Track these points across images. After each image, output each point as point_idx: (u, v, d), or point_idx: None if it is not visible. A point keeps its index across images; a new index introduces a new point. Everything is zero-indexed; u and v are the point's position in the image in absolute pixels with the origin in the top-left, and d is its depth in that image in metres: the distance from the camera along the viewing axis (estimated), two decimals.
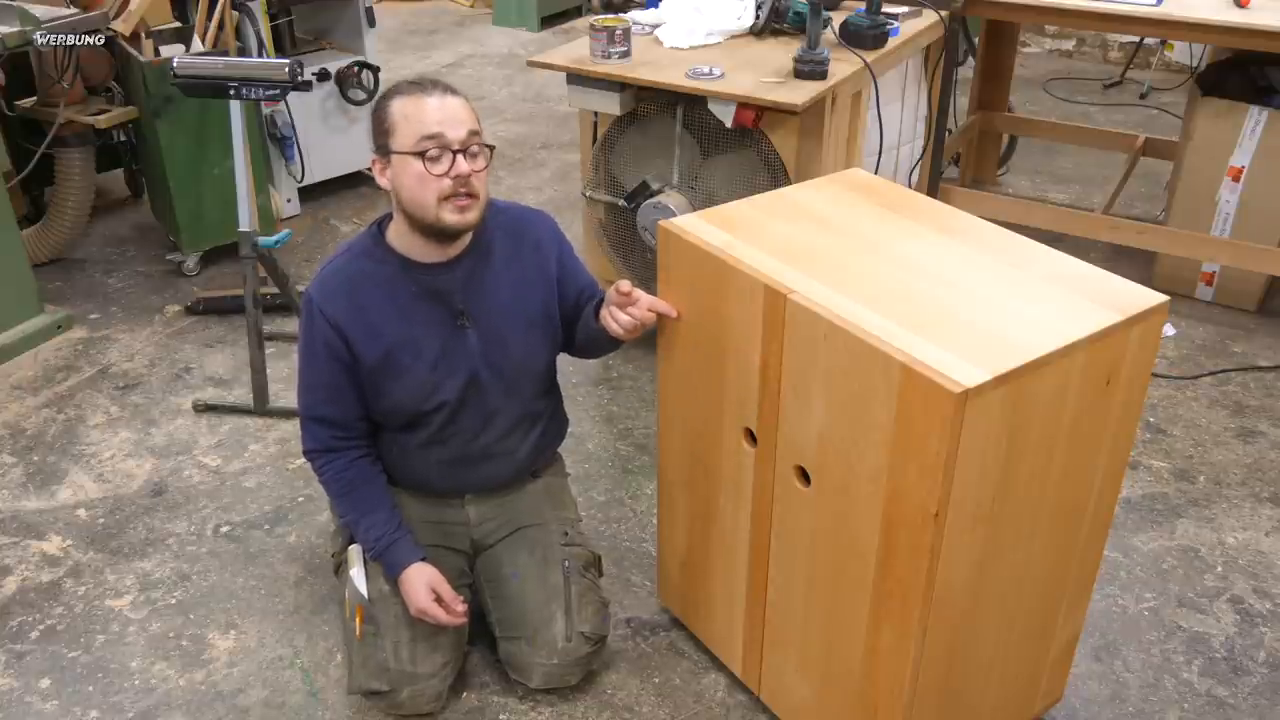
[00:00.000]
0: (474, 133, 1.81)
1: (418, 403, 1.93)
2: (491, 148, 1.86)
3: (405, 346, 1.89)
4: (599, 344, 2.04)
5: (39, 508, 2.59)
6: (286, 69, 2.67)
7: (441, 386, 1.92)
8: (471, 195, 1.82)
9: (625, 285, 1.83)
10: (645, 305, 1.86)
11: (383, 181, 1.85)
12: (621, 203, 2.88)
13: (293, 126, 3.92)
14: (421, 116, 1.77)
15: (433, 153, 1.77)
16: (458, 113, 1.80)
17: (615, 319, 1.86)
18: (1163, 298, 1.59)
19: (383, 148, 1.81)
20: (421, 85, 1.81)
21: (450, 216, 1.81)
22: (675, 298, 1.85)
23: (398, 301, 1.89)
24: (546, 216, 2.06)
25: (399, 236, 1.90)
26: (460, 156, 1.79)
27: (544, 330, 2.00)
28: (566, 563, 2.02)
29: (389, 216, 1.92)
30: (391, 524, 1.95)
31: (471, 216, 1.84)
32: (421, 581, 1.90)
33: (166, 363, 3.18)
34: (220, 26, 3.56)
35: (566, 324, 2.05)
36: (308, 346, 1.93)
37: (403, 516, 1.98)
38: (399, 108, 1.79)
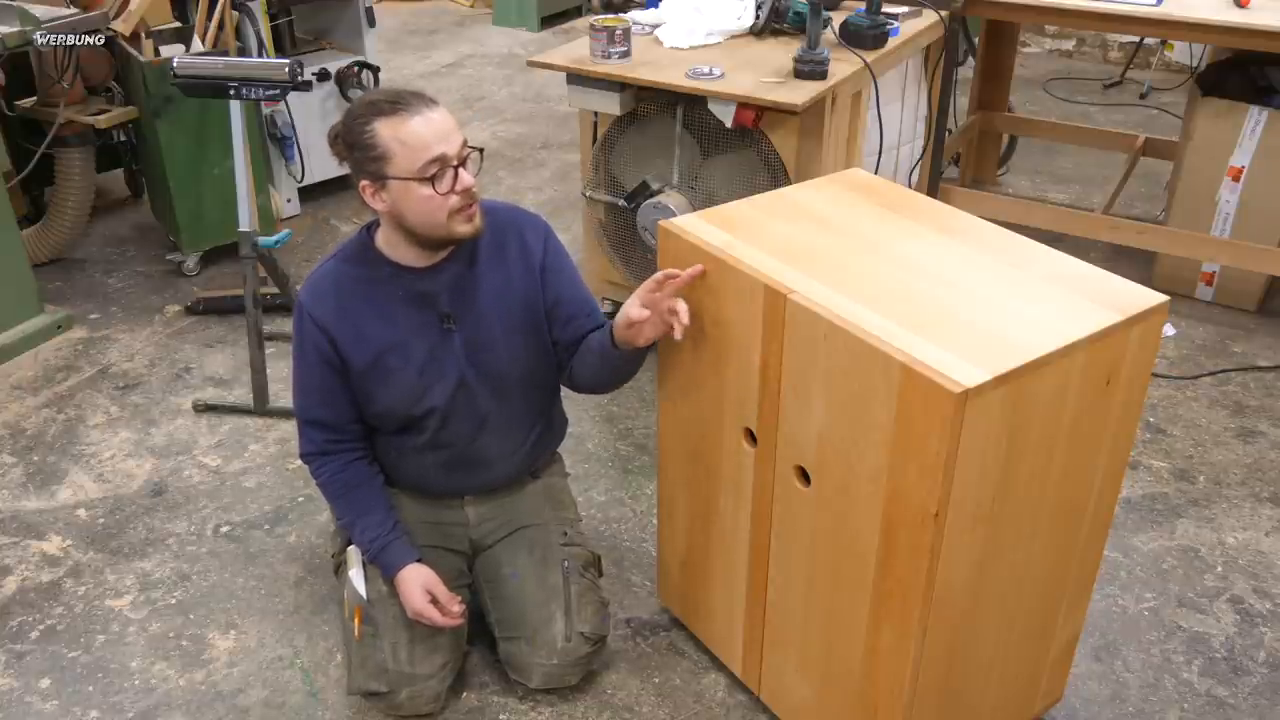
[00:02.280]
0: (464, 141, 1.81)
1: (407, 407, 1.92)
2: (480, 150, 1.85)
3: (393, 350, 1.89)
4: (601, 372, 1.97)
5: (39, 508, 2.59)
6: (286, 69, 2.67)
7: (430, 391, 1.92)
8: (475, 201, 1.83)
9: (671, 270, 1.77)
10: (680, 283, 1.75)
11: (377, 205, 1.81)
12: (621, 203, 2.88)
13: (293, 126, 3.92)
14: (418, 140, 1.74)
15: (439, 174, 1.76)
16: (447, 125, 1.77)
17: (646, 304, 1.78)
18: (1163, 298, 1.59)
19: (376, 174, 1.77)
20: (402, 102, 1.76)
21: (463, 228, 1.82)
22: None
23: (386, 306, 1.89)
24: (538, 218, 2.04)
25: (389, 244, 1.89)
26: (462, 170, 1.78)
27: (530, 331, 1.97)
28: (566, 563, 2.02)
29: (377, 222, 1.91)
30: (386, 525, 1.95)
31: (479, 221, 1.85)
32: (417, 584, 1.90)
33: (166, 363, 3.18)
34: (220, 26, 3.56)
35: (553, 338, 2.00)
36: (299, 350, 1.93)
37: (399, 518, 1.98)
38: (389, 133, 1.74)
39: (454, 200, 1.78)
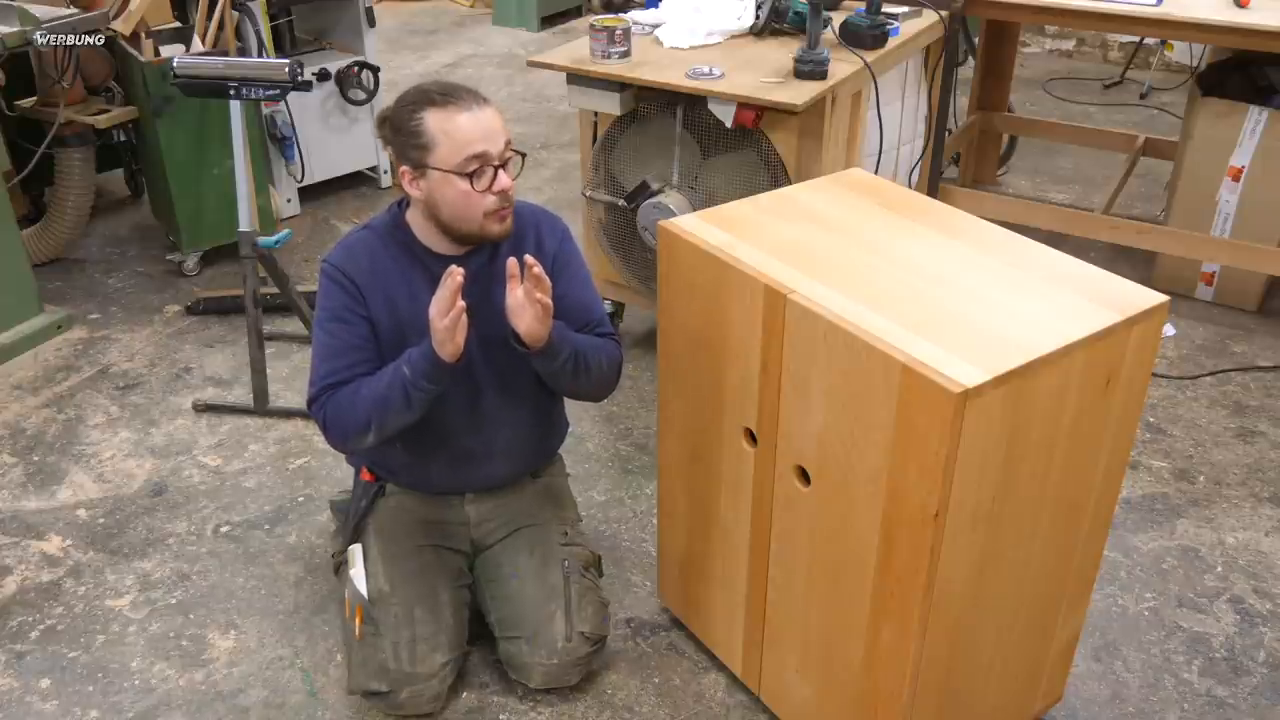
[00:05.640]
0: (508, 142, 1.82)
1: (460, 363, 1.91)
2: (523, 155, 1.86)
3: (412, 328, 1.89)
4: (553, 376, 1.93)
5: (39, 508, 2.59)
6: (286, 69, 2.67)
7: None
8: (511, 204, 1.84)
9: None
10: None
11: (414, 192, 1.84)
12: (621, 203, 2.87)
13: (293, 126, 3.92)
14: (465, 135, 1.76)
15: (478, 171, 1.77)
16: (494, 124, 1.80)
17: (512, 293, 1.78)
18: (1163, 298, 1.59)
19: (417, 162, 1.80)
20: (455, 96, 1.79)
21: (495, 227, 1.84)
22: (675, 298, 1.85)
23: (411, 283, 1.91)
24: (557, 218, 2.05)
25: (419, 226, 1.92)
26: (502, 171, 1.80)
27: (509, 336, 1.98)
28: (566, 562, 2.02)
29: (408, 200, 1.93)
30: (397, 362, 1.84)
31: (510, 223, 1.87)
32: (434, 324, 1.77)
33: (166, 363, 3.18)
34: (220, 26, 3.56)
35: None
36: (331, 313, 1.90)
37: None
38: (436, 124, 1.77)
39: (490, 200, 1.80)
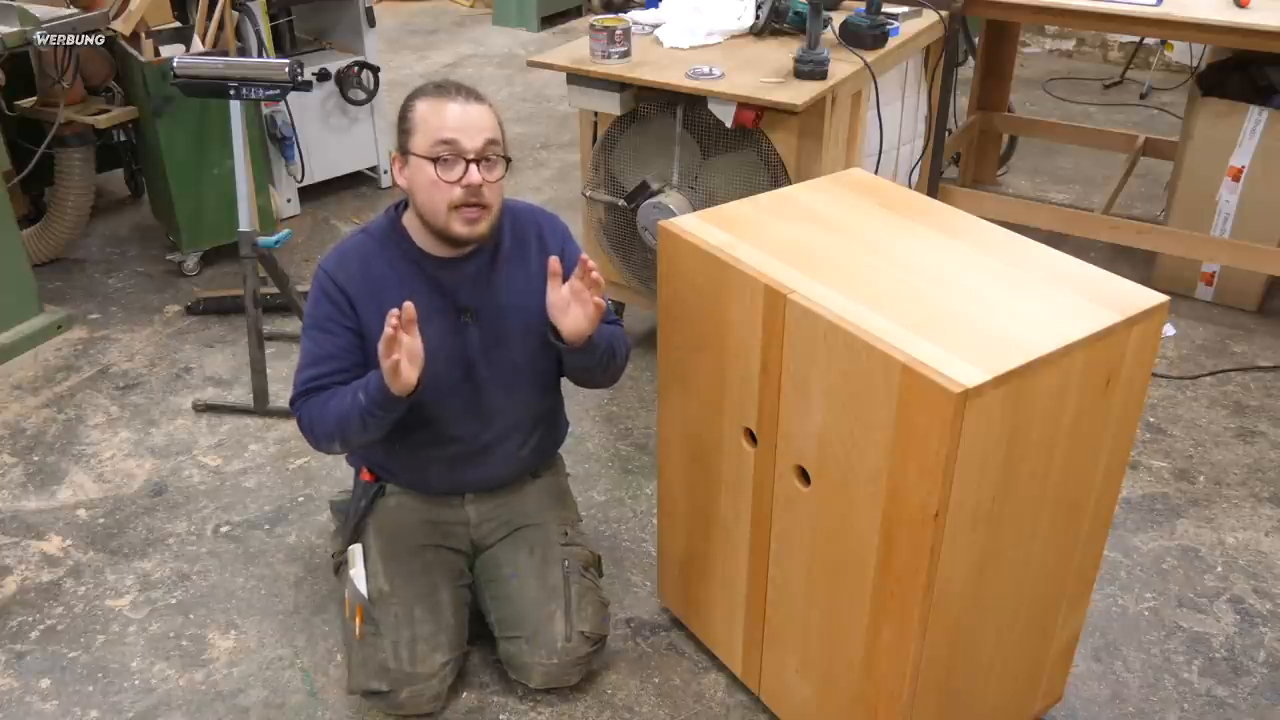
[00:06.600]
0: (492, 142, 1.82)
1: (415, 394, 1.92)
2: (508, 159, 1.86)
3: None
4: (569, 369, 2.00)
5: (39, 508, 2.59)
6: (286, 69, 2.67)
7: (438, 380, 1.91)
8: (482, 206, 1.82)
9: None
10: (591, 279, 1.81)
11: (400, 180, 1.87)
12: (621, 203, 2.87)
13: (293, 126, 3.92)
14: (440, 121, 1.78)
15: (446, 158, 1.78)
16: (478, 120, 1.80)
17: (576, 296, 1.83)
18: (1163, 298, 1.60)
19: (402, 147, 1.84)
20: (447, 89, 1.83)
21: (459, 227, 1.83)
22: (675, 298, 1.85)
23: (407, 287, 1.90)
24: (557, 219, 2.06)
25: (414, 228, 1.92)
26: (474, 166, 1.79)
27: (544, 333, 1.99)
28: (566, 562, 2.02)
29: (406, 203, 1.94)
30: (356, 384, 1.85)
31: (481, 228, 1.85)
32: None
33: (166, 363, 3.18)
34: (220, 26, 3.56)
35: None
36: (314, 320, 1.92)
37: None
38: (421, 109, 1.81)
39: (456, 193, 1.79)
